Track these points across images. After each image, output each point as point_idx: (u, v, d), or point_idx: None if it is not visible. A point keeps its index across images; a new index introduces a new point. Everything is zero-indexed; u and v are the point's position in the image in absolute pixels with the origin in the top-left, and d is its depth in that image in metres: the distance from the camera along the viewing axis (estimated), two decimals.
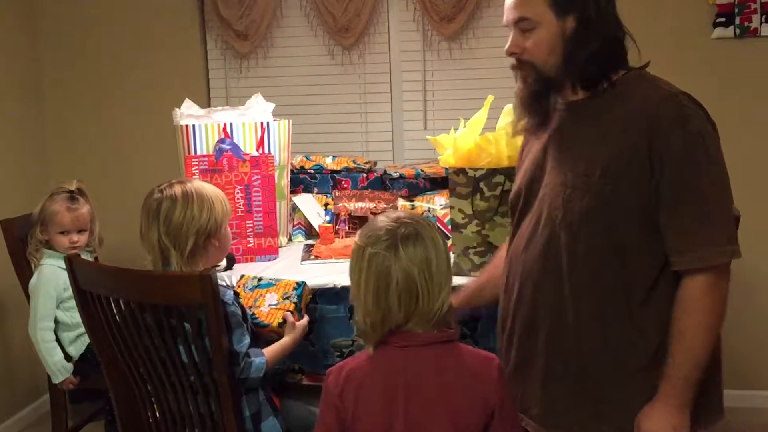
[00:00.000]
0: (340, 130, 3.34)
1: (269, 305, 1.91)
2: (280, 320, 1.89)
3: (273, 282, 1.99)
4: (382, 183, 2.73)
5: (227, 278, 2.11)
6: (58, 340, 2.38)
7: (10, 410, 3.03)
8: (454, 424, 1.34)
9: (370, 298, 1.34)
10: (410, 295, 1.33)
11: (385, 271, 1.33)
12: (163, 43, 3.30)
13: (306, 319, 1.94)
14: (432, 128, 3.25)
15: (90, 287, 1.77)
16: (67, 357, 2.38)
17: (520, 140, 1.95)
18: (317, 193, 2.72)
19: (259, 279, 2.02)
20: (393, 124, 3.33)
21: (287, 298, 1.91)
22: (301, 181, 2.76)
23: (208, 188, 1.85)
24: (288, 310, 1.90)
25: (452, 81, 3.25)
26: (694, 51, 2.94)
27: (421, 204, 2.60)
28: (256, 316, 1.91)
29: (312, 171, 2.75)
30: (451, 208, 2.10)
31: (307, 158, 2.77)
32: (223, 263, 2.21)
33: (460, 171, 2.05)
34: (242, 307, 1.82)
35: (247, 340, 1.76)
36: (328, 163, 2.75)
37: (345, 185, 2.72)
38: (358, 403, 1.36)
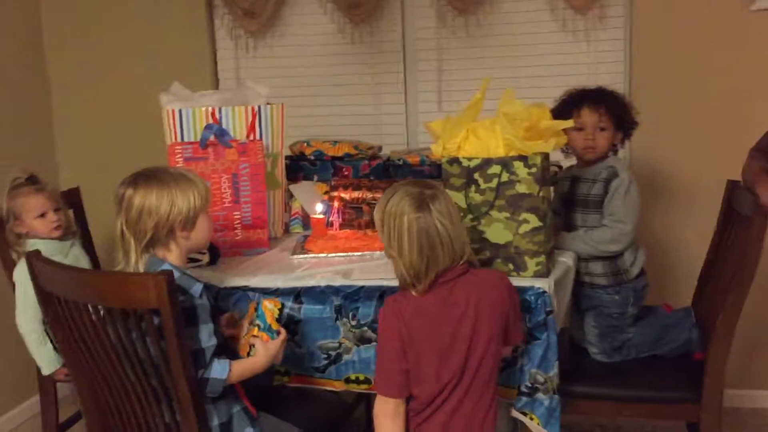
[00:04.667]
0: (351, 112, 3.19)
1: (243, 338, 1.77)
2: (249, 349, 1.74)
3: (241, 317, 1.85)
4: (386, 170, 2.57)
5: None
6: (47, 330, 2.31)
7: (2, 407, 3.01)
8: (489, 328, 1.66)
9: (415, 255, 1.61)
10: (448, 242, 1.62)
11: (426, 229, 1.61)
12: (168, 23, 3.19)
13: (281, 336, 1.75)
14: (448, 110, 3.07)
15: (49, 287, 1.67)
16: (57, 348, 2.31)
17: (519, 127, 1.78)
18: (317, 181, 2.58)
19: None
20: (407, 106, 3.17)
21: (252, 323, 1.76)
22: (300, 168, 2.62)
23: (184, 177, 1.72)
24: (253, 335, 1.74)
25: (468, 59, 3.06)
26: (731, 24, 2.70)
27: None
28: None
29: (312, 157, 2.61)
30: None
31: (307, 144, 2.62)
32: (206, 257, 2.09)
33: (453, 160, 1.88)
34: (213, 302, 1.69)
35: (215, 340, 1.64)
36: (329, 148, 2.60)
37: (346, 173, 2.57)
38: (414, 329, 1.65)
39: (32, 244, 2.27)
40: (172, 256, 1.69)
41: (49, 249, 2.25)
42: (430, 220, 1.60)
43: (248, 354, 1.72)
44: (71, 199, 2.55)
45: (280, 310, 1.78)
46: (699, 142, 2.84)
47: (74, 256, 2.38)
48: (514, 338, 1.76)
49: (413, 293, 1.67)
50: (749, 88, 2.76)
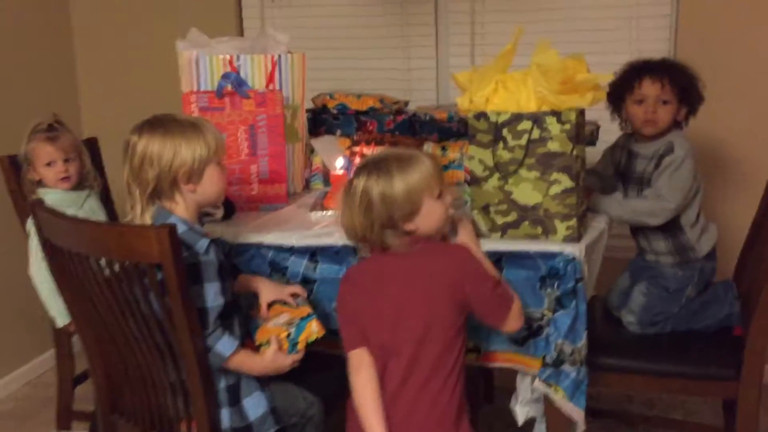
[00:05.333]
0: (379, 66, 3.06)
1: (274, 324, 1.69)
2: (264, 341, 1.66)
3: (298, 303, 1.77)
4: (411, 126, 2.45)
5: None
6: None
7: (20, 359, 3.01)
8: (430, 308, 1.55)
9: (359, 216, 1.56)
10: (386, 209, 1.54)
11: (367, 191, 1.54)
12: None
13: (292, 357, 1.66)
14: (482, 64, 2.91)
15: (53, 238, 1.60)
16: None
17: (553, 79, 1.65)
18: (340, 135, 2.46)
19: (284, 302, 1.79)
20: (437, 59, 3.03)
21: (289, 323, 1.68)
22: (323, 122, 2.51)
23: (193, 126, 1.62)
24: (278, 336, 1.66)
25: (504, 11, 2.90)
26: None
27: (451, 152, 2.31)
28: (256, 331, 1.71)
29: (335, 111, 2.49)
30: (471, 158, 1.81)
31: (330, 96, 2.51)
32: (220, 212, 2.01)
33: (481, 115, 1.75)
34: (223, 259, 1.61)
35: (221, 300, 1.56)
36: (353, 102, 2.48)
37: (370, 127, 2.45)
38: (358, 292, 1.60)
39: (44, 194, 2.21)
40: (179, 209, 1.61)
41: (63, 199, 2.22)
42: (372, 184, 1.53)
43: (260, 346, 1.65)
44: (89, 150, 2.48)
45: (318, 338, 1.69)
46: (745, 110, 2.66)
47: (90, 207, 2.32)
48: (493, 320, 1.62)
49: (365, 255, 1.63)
50: None
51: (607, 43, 2.79)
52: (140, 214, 1.57)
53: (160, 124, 1.58)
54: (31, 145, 2.22)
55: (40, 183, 2.24)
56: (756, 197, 2.21)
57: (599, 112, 2.12)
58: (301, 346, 1.67)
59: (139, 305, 1.51)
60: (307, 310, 1.72)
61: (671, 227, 2.06)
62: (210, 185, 1.64)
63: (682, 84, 2.04)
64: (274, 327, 1.68)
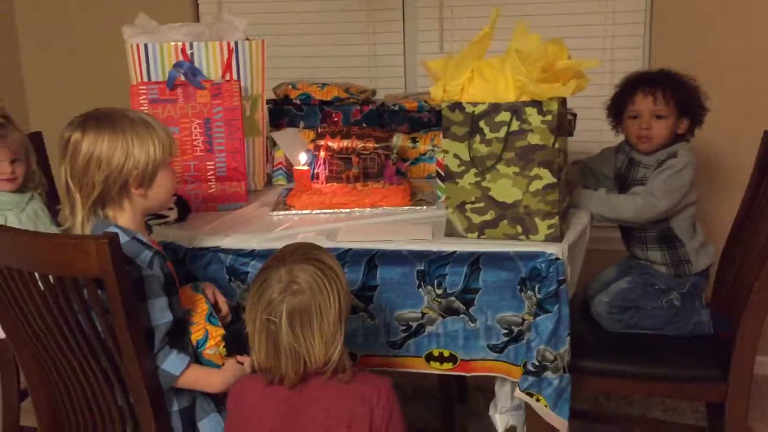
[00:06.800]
0: (344, 53, 2.91)
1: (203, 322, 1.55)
2: (216, 345, 1.53)
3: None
4: (380, 116, 2.31)
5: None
6: None
7: None
8: None
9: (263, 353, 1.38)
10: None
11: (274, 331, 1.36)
12: None
13: (249, 362, 1.51)
14: (452, 50, 2.78)
15: None
16: None
17: (533, 66, 1.52)
18: (304, 128, 2.31)
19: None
20: (405, 46, 2.89)
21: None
22: (285, 113, 2.36)
23: (143, 123, 1.46)
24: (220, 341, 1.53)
25: None
26: None
27: (422, 144, 2.18)
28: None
29: (298, 101, 2.34)
30: (445, 152, 1.68)
31: (293, 86, 2.36)
32: (174, 213, 1.85)
33: (456, 106, 1.62)
34: (168, 272, 1.46)
35: (169, 316, 1.41)
36: (317, 91, 2.33)
37: (335, 119, 2.31)
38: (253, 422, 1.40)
39: None
40: (124, 217, 1.45)
41: (4, 202, 2.07)
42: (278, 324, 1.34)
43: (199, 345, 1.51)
44: (34, 146, 2.30)
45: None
46: (724, 96, 2.57)
47: (33, 210, 2.15)
48: None
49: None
50: None
51: (582, 27, 2.69)
52: (81, 221, 1.41)
53: (107, 121, 1.42)
54: None
55: None
56: (737, 195, 2.13)
57: (578, 100, 2.01)
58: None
59: (79, 324, 1.35)
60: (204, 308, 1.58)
61: (668, 239, 1.99)
62: (161, 189, 1.50)
63: (677, 97, 1.95)
64: (210, 325, 1.54)
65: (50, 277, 1.33)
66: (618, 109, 2.04)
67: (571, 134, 2.23)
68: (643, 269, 2.04)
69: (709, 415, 2.15)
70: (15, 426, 2.26)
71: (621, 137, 2.10)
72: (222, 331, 1.55)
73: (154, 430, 1.41)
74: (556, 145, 1.60)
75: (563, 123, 1.67)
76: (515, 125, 1.59)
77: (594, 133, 2.50)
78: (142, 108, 1.90)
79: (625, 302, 1.98)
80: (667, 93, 1.94)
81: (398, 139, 2.23)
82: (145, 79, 2.01)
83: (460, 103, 1.62)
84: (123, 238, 1.35)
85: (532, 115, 1.58)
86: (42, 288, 1.36)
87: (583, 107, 2.27)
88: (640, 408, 2.61)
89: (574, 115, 2.26)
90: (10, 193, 2.09)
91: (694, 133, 2.02)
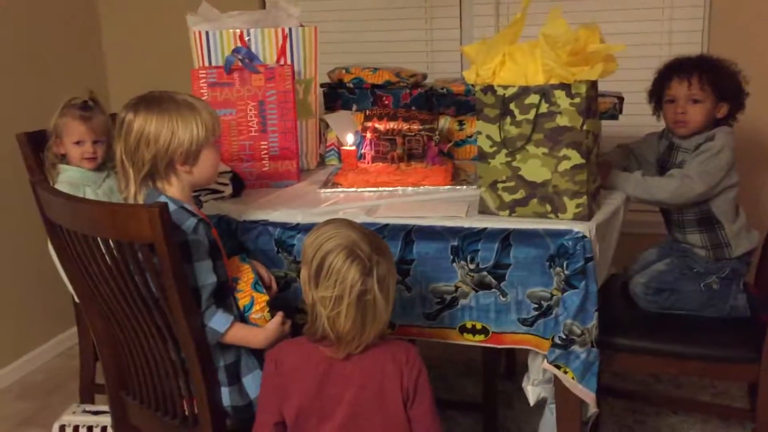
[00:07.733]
0: (401, 38, 2.99)
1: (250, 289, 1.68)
2: (262, 309, 1.66)
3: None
4: (428, 100, 2.39)
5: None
6: None
7: (51, 332, 3.07)
8: (379, 407, 1.50)
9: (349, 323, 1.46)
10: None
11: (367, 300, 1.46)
12: None
13: (288, 324, 1.66)
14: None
15: (53, 216, 1.61)
16: None
17: (561, 50, 1.57)
18: (357, 110, 2.42)
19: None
20: (461, 31, 2.95)
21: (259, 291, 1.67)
22: (339, 97, 2.47)
23: (188, 105, 1.59)
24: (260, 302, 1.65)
25: None
26: None
27: (469, 126, 2.25)
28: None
29: (351, 85, 2.45)
30: (479, 133, 1.75)
31: (346, 71, 2.46)
32: (229, 189, 2.00)
33: (488, 89, 1.69)
34: (213, 239, 1.59)
35: (213, 278, 1.55)
36: (369, 75, 2.43)
37: (386, 101, 2.41)
38: (293, 382, 1.51)
39: (65, 170, 2.23)
40: (172, 189, 1.59)
41: (83, 178, 2.23)
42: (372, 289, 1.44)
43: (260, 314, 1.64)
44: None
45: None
46: None
47: (108, 186, 2.33)
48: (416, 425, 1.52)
49: (308, 341, 1.51)
50: None
51: (639, 23, 2.69)
52: (134, 193, 1.56)
53: (156, 103, 1.56)
54: (64, 119, 2.21)
55: (64, 157, 2.24)
56: None
57: (625, 84, 2.04)
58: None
59: (136, 285, 1.50)
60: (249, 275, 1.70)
61: (708, 221, 1.99)
62: (205, 167, 1.62)
63: (714, 81, 1.95)
64: (256, 292, 1.67)
65: (110, 242, 1.49)
66: (657, 94, 2.06)
67: (616, 117, 2.26)
68: (682, 252, 2.06)
69: (751, 398, 2.15)
70: (91, 382, 2.47)
71: (663, 123, 2.12)
72: (266, 297, 1.67)
73: (202, 384, 1.55)
74: (585, 127, 1.64)
75: (593, 105, 1.71)
76: (544, 107, 1.64)
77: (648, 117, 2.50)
78: (201, 91, 2.04)
79: (662, 284, 2.00)
80: (702, 78, 1.94)
81: (446, 122, 2.31)
82: (207, 64, 2.16)
83: (492, 86, 1.69)
84: (171, 207, 1.49)
85: (561, 98, 1.63)
86: (104, 252, 1.52)
87: (634, 91, 2.28)
88: (689, 391, 2.61)
89: (621, 98, 2.29)
90: (90, 171, 2.25)
91: (736, 117, 2.01)
